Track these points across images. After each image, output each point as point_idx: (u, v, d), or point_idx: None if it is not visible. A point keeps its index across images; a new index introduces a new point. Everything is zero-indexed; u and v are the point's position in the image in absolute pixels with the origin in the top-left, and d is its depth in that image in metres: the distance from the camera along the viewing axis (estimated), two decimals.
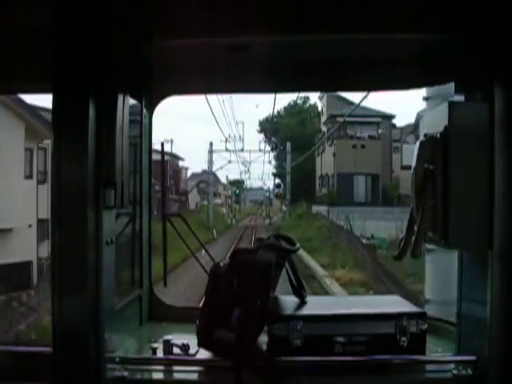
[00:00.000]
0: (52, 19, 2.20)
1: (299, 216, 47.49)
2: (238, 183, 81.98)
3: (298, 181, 55.02)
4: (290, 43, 2.55)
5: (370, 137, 44.78)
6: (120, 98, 2.37)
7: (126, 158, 2.46)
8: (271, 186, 77.68)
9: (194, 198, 63.35)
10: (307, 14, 2.26)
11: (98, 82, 2.24)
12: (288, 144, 52.17)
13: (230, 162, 58.87)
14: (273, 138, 64.16)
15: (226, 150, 51.95)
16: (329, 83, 3.09)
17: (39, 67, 2.39)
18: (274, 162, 67.03)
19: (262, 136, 66.41)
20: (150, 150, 3.20)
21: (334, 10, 2.25)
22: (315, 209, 46.51)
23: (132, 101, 2.64)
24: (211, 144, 51.73)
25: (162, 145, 3.05)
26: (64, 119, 2.23)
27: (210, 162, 52.36)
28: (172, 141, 49.00)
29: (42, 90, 3.41)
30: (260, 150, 62.01)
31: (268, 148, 64.02)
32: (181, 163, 57.66)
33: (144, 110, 3.04)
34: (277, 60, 2.79)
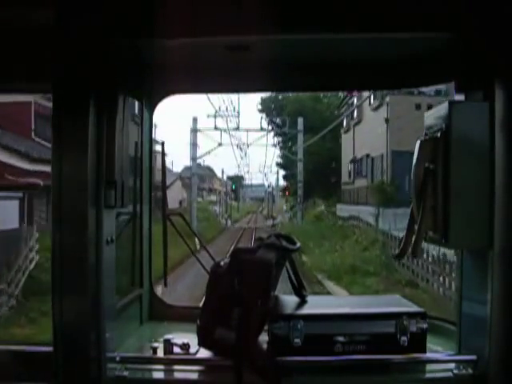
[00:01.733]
0: (52, 19, 2.20)
1: (317, 218, 36.15)
2: (236, 179, 71.22)
3: (313, 170, 42.22)
4: (290, 43, 2.55)
5: (438, 92, 28.13)
6: (120, 98, 2.37)
7: (127, 158, 2.47)
8: (273, 181, 66.11)
9: (176, 195, 49.10)
10: (307, 13, 2.26)
11: (98, 81, 2.24)
12: (300, 120, 38.29)
13: (220, 144, 40.58)
14: (277, 120, 48.28)
15: (216, 128, 38.39)
16: (329, 83, 3.09)
17: (39, 67, 2.39)
18: (279, 146, 51.61)
19: (264, 115, 50.82)
20: (151, 150, 3.20)
21: (334, 10, 2.25)
22: (344, 209, 33.66)
23: (132, 101, 2.64)
24: (195, 120, 37.70)
25: (163, 144, 3.05)
26: (64, 119, 2.23)
27: (194, 145, 37.84)
28: (155, 125, 39.82)
29: (42, 90, 3.41)
30: (262, 128, 42.41)
31: (273, 127, 48.22)
32: (157, 148, 40.46)
33: (144, 110, 3.04)
34: (277, 60, 2.79)
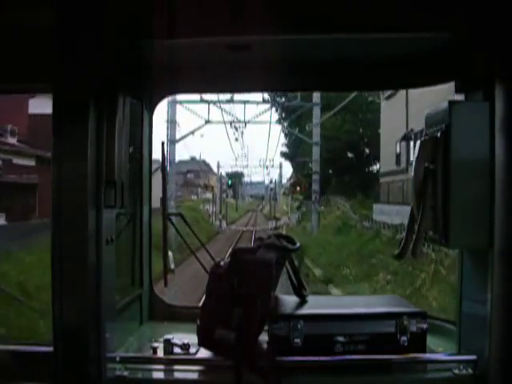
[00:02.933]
0: (52, 19, 2.20)
1: (343, 223, 26.19)
2: (235, 175, 63.65)
3: (329, 160, 32.34)
4: (291, 42, 2.55)
5: None
6: (120, 98, 2.37)
7: (126, 158, 2.46)
8: (276, 176, 56.97)
9: (157, 191, 37.57)
10: (307, 13, 2.26)
11: (98, 82, 2.24)
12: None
13: (208, 121, 29.81)
14: (283, 99, 35.67)
15: (202, 100, 28.24)
16: (329, 83, 3.09)
17: (39, 67, 2.39)
18: (286, 129, 39.46)
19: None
20: (151, 150, 3.21)
21: (334, 10, 2.25)
22: (387, 212, 22.99)
23: (132, 101, 2.64)
24: None
25: (163, 144, 3.05)
26: (64, 119, 2.23)
27: (172, 123, 27.88)
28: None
29: (41, 90, 3.40)
30: (264, 100, 32.49)
31: (279, 102, 35.72)
32: None
33: (144, 110, 3.04)
34: (277, 59, 2.79)
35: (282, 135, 43.11)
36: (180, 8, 2.26)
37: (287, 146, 45.48)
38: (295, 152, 41.19)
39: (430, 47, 2.57)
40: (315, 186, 29.41)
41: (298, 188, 37.22)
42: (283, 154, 47.61)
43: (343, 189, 33.26)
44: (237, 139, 39.94)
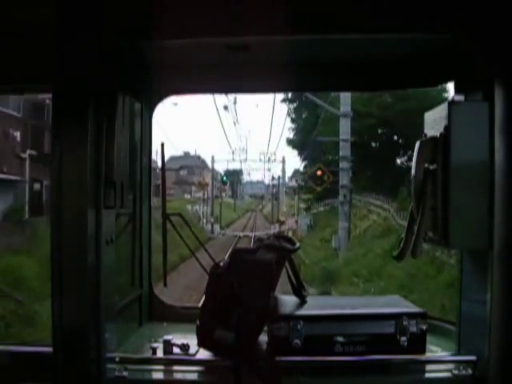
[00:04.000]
0: (52, 19, 2.20)
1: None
2: (234, 173, 58.08)
3: (357, 145, 21.95)
4: (290, 43, 2.55)
5: None
6: (120, 98, 2.37)
7: (126, 158, 2.47)
8: (278, 172, 52.77)
9: None
10: (307, 14, 2.26)
11: (97, 82, 2.24)
12: None
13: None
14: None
15: None
16: (329, 83, 3.09)
17: (39, 67, 2.39)
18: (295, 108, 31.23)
19: None
20: (150, 150, 3.21)
21: (333, 10, 2.25)
22: None
23: (132, 101, 2.64)
24: None
25: (162, 145, 3.05)
26: (64, 119, 2.23)
27: None
28: None
29: (41, 90, 3.41)
30: None
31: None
32: None
33: (144, 110, 3.04)
34: (276, 60, 2.79)
35: (288, 119, 33.36)
36: (179, 8, 2.26)
37: (295, 129, 34.43)
38: (308, 135, 29.75)
39: (430, 47, 2.57)
40: (344, 179, 20.16)
41: (319, 181, 25.27)
42: (290, 142, 36.50)
43: (374, 184, 23.80)
44: (226, 107, 31.82)
